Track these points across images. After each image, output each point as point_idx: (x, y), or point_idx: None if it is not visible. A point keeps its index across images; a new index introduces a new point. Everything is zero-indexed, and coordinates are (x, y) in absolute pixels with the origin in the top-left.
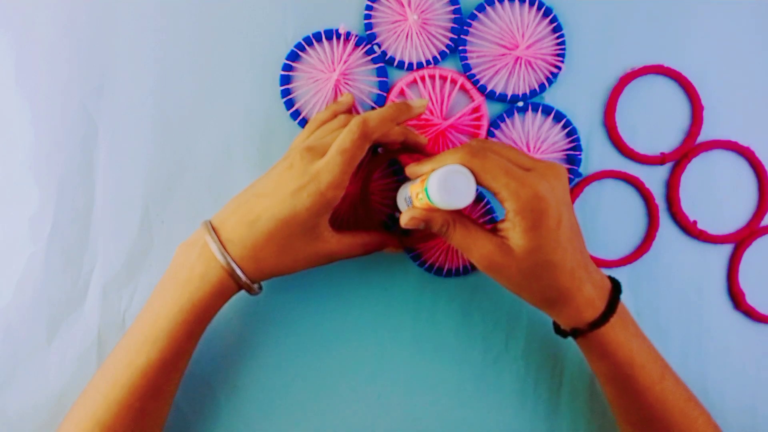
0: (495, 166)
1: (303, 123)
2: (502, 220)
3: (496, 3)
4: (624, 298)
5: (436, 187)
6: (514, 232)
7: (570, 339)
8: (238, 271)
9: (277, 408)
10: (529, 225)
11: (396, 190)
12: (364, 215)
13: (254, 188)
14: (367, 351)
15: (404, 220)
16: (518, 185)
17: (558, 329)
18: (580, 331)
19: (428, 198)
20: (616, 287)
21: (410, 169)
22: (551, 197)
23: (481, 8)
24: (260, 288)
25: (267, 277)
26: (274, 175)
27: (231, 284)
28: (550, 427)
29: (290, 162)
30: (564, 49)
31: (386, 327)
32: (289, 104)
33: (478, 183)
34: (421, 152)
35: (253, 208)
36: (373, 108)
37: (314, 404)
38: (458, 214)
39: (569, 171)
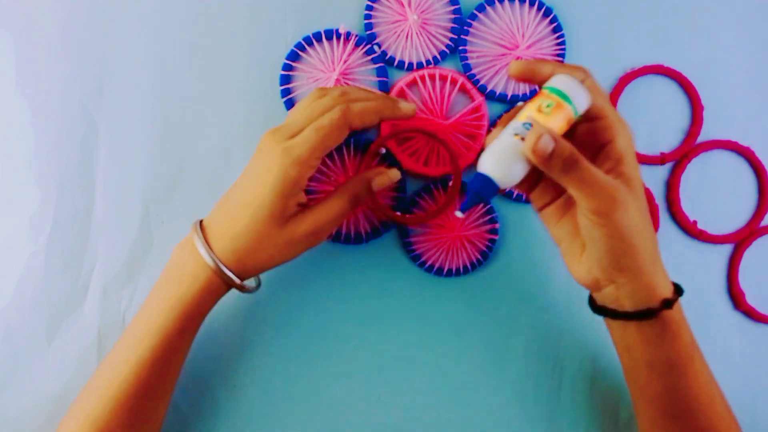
0: (604, 97)
1: None
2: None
3: (496, 3)
4: None
5: (579, 86)
6: (625, 164)
7: (570, 340)
8: (224, 269)
9: (277, 408)
10: (633, 161)
11: (396, 190)
12: (373, 206)
13: (237, 181)
14: (367, 351)
15: (533, 138)
16: (621, 121)
17: (626, 315)
18: (654, 311)
19: (569, 102)
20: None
21: (523, 65)
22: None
23: (481, 8)
24: (258, 285)
25: (254, 272)
26: (249, 165)
27: (219, 282)
28: (550, 427)
29: (259, 147)
30: (564, 49)
31: (386, 327)
32: (289, 104)
33: (593, 103)
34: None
35: (230, 199)
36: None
37: (314, 404)
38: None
39: None
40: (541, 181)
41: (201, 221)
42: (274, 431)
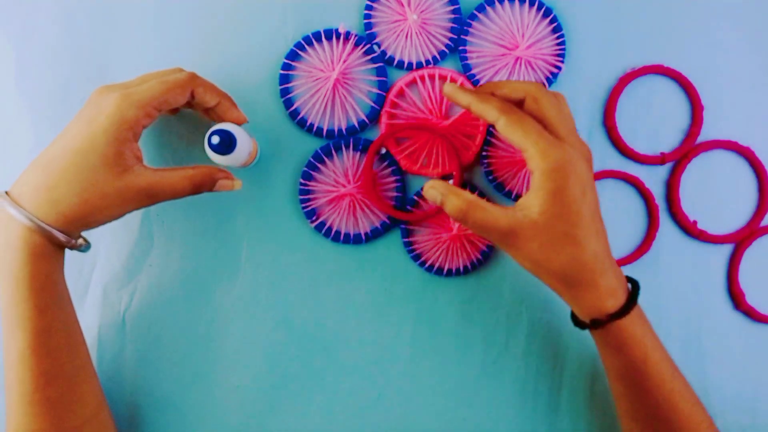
0: (529, 124)
1: (302, 122)
2: (524, 195)
3: (496, 3)
4: None
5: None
6: (537, 197)
7: (570, 340)
8: (37, 221)
9: (277, 408)
10: (555, 187)
11: (395, 189)
12: (375, 202)
13: (57, 137)
14: (367, 351)
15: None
16: (548, 145)
17: (576, 321)
18: (600, 321)
19: None
20: (634, 283)
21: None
22: (579, 168)
23: (481, 8)
24: (85, 244)
25: (79, 223)
26: (75, 117)
27: (43, 242)
28: (550, 426)
29: (89, 99)
30: (564, 49)
31: (386, 327)
32: (288, 104)
33: (510, 138)
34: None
35: (48, 152)
36: (372, 107)
37: (315, 404)
38: (474, 199)
39: None
40: None
41: (7, 191)
42: (275, 431)
